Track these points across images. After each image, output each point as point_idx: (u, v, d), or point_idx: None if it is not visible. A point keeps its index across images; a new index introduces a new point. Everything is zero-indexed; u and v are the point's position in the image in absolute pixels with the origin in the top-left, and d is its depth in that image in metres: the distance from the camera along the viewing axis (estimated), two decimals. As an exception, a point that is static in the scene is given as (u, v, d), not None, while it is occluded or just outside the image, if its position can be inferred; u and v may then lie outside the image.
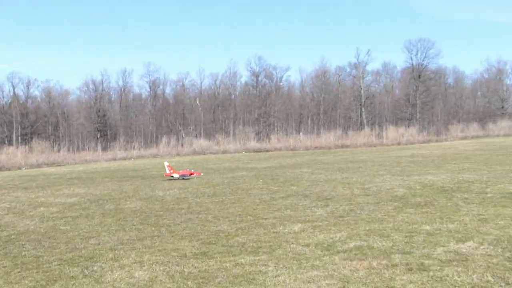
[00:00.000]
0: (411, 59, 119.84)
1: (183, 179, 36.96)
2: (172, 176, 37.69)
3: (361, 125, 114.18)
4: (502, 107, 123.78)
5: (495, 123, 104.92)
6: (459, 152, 49.47)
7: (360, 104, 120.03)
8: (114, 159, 78.53)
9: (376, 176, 31.28)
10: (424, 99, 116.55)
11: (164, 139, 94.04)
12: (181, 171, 39.10)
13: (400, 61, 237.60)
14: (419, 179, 28.32)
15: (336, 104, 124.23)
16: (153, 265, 12.94)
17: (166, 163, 39.99)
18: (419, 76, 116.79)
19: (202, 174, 39.47)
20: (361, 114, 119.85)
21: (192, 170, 39.36)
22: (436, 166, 36.22)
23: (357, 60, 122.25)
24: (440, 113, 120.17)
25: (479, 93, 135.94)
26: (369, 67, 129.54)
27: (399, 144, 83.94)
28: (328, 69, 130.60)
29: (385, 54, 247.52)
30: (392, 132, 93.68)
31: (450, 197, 21.40)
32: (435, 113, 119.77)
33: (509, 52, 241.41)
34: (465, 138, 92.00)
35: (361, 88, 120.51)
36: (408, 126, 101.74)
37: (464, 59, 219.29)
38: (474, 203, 19.65)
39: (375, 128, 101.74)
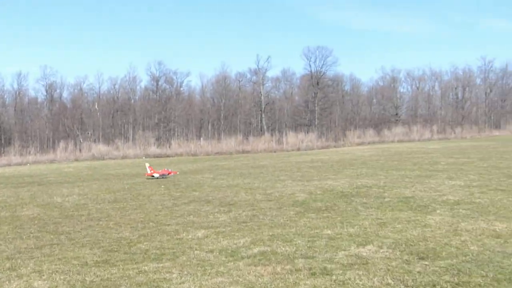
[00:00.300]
0: (310, 66, 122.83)
1: (162, 178, 38.66)
2: (153, 176, 39.17)
3: (261, 130, 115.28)
4: (396, 114, 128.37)
5: (390, 130, 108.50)
6: (357, 158, 50.78)
7: (260, 110, 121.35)
8: (9, 165, 75.83)
9: (278, 182, 31.62)
10: (322, 105, 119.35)
11: (62, 144, 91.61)
12: (160, 170, 40.78)
13: (299, 68, 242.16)
14: (320, 184, 28.83)
15: (237, 110, 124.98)
16: (53, 274, 12.48)
17: (147, 164, 41.64)
18: (318, 83, 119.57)
19: (178, 172, 41.50)
20: (261, 120, 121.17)
21: (170, 170, 41.40)
22: (335, 172, 36.99)
23: (257, 66, 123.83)
24: (338, 119, 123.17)
25: (374, 100, 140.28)
26: (269, 74, 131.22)
27: (298, 149, 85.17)
28: (229, 75, 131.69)
29: (284, 61, 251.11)
30: (292, 138, 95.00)
31: (349, 202, 21.88)
32: (333, 120, 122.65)
33: (402, 61, 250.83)
34: (362, 144, 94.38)
35: (261, 94, 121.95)
36: (307, 132, 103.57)
37: (360, 67, 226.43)
38: (373, 207, 20.18)
39: (275, 134, 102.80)
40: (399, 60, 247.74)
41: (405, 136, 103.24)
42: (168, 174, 39.87)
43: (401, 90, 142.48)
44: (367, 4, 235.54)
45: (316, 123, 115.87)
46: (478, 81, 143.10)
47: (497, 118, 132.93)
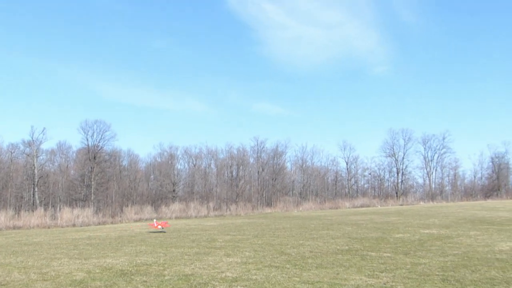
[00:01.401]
0: (87, 140, 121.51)
1: (162, 230, 47.45)
2: (158, 228, 47.87)
3: (33, 205, 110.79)
4: (174, 191, 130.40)
5: (168, 206, 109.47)
6: (135, 235, 50.29)
7: (33, 184, 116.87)
8: None
9: (54, 260, 30.36)
10: (99, 180, 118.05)
11: None
12: (161, 222, 50.80)
13: (76, 141, 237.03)
14: (98, 262, 28.15)
15: (8, 183, 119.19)
16: None
17: (154, 220, 52.19)
18: (95, 158, 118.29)
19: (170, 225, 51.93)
20: (34, 194, 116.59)
21: (166, 222, 52.23)
22: (114, 249, 36.36)
23: (32, 138, 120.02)
24: (115, 195, 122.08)
25: (152, 176, 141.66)
26: (44, 146, 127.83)
27: (74, 225, 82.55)
28: (0, 146, 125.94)
29: (61, 133, 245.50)
30: (67, 213, 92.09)
31: (129, 280, 21.60)
32: (110, 195, 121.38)
33: (180, 139, 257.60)
34: (139, 220, 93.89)
35: (34, 167, 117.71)
36: (83, 207, 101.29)
37: (139, 143, 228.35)
38: (153, 286, 20.13)
39: (49, 209, 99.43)
40: (177, 137, 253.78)
41: (183, 213, 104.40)
42: (167, 226, 49.03)
43: (178, 167, 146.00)
44: (145, 81, 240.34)
45: (92, 198, 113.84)
46: (251, 160, 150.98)
47: (268, 196, 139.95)
